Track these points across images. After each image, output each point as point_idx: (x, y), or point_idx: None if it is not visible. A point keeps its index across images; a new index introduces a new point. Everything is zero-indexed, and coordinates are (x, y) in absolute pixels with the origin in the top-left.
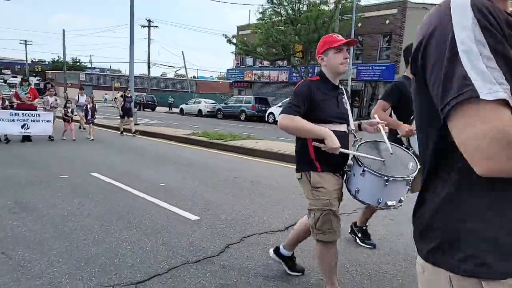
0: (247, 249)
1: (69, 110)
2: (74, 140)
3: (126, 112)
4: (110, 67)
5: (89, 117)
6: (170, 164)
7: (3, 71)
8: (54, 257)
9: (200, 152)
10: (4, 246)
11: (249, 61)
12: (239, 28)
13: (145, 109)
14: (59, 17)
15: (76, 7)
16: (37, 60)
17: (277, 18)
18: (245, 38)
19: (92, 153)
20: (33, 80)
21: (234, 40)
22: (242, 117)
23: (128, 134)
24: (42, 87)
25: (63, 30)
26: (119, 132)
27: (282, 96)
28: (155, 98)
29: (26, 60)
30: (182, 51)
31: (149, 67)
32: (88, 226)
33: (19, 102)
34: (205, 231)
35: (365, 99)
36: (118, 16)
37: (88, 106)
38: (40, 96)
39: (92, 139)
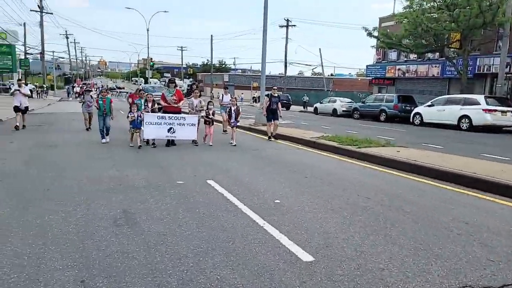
0: None
1: (211, 111)
2: (211, 145)
3: (271, 114)
4: (251, 67)
5: (232, 120)
6: (290, 174)
7: (164, 75)
8: None
9: (328, 160)
10: (89, 271)
11: (392, 55)
12: (382, 19)
13: None
14: (210, 24)
15: (225, 13)
16: (190, 64)
17: (429, 4)
18: (388, 30)
19: (219, 157)
20: (186, 81)
21: (376, 33)
22: (382, 118)
23: (264, 138)
24: (188, 88)
25: (211, 36)
26: (267, 138)
27: (432, 94)
28: (290, 97)
29: (182, 64)
30: (319, 49)
31: (285, 66)
32: (181, 254)
33: (166, 104)
34: (318, 284)
35: None
36: (261, 19)
37: (232, 109)
38: (185, 97)
39: (235, 145)
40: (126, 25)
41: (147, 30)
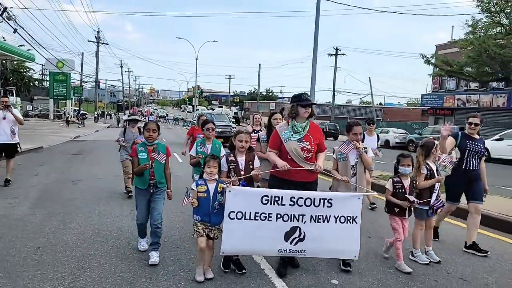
0: None
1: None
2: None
3: (464, 186)
4: None
5: (428, 209)
6: None
7: (212, 102)
8: None
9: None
10: None
11: (450, 84)
12: (439, 47)
13: (327, 138)
14: (260, 53)
15: (275, 43)
16: (238, 92)
17: (495, 30)
18: (447, 58)
19: None
20: (233, 109)
21: (433, 60)
22: None
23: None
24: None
25: (259, 65)
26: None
27: (497, 126)
28: (338, 126)
29: (229, 92)
30: (369, 77)
31: (334, 95)
32: None
33: (284, 164)
34: None
35: None
36: (309, 48)
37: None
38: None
39: None
40: (177, 55)
41: (196, 59)
